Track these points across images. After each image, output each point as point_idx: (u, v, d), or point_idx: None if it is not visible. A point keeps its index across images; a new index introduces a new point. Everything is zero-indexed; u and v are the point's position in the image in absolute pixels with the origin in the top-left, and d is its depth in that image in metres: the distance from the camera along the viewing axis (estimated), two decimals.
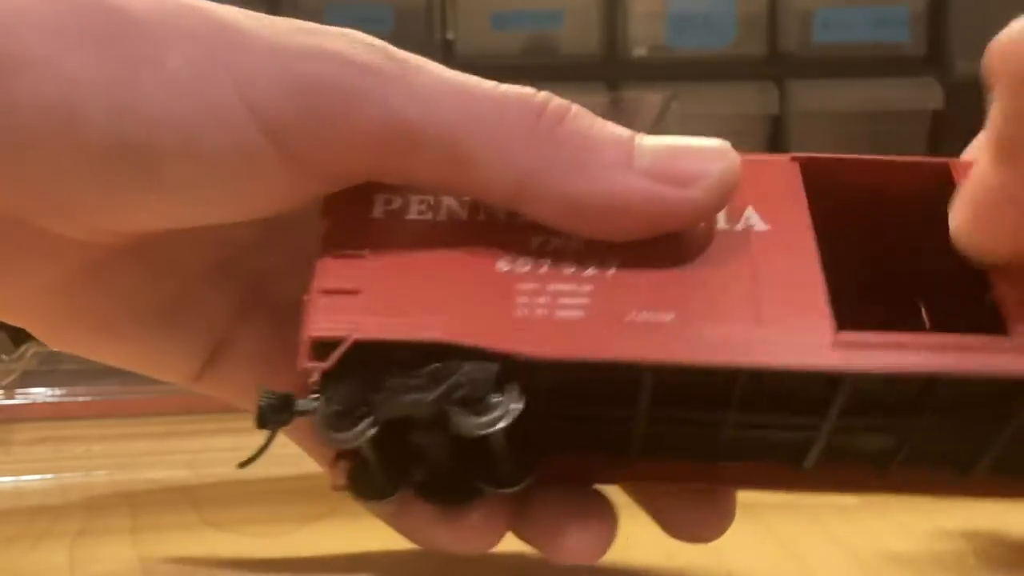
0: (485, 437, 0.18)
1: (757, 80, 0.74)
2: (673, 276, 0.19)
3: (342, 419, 0.18)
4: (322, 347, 0.18)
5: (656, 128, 0.53)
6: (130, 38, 0.18)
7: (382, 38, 0.21)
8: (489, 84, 0.19)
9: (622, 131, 0.19)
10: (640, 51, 0.72)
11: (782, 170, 0.21)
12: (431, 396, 0.18)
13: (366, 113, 0.18)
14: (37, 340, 0.23)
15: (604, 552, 0.21)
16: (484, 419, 0.18)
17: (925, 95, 0.73)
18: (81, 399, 0.38)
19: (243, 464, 0.20)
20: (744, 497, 0.29)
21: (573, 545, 0.21)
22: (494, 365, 0.18)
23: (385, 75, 0.19)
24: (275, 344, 0.24)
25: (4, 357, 0.38)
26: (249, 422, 0.39)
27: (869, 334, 0.18)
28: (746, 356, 0.18)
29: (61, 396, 0.38)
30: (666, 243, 0.19)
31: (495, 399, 0.18)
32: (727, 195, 0.19)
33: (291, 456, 0.30)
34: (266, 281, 0.24)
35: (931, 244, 0.20)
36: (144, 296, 0.23)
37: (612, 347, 0.18)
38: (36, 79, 0.18)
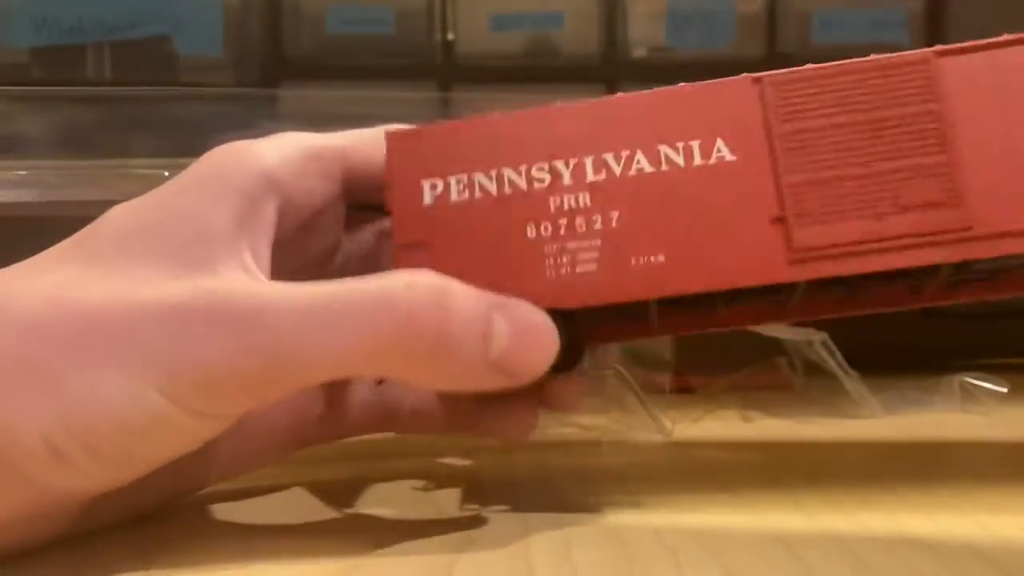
0: None
1: None
2: (663, 219, 0.25)
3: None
4: None
5: None
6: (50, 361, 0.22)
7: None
8: (357, 299, 0.22)
9: (481, 313, 0.23)
10: (640, 52, 0.72)
11: (742, 93, 0.26)
12: None
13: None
14: None
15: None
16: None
17: None
18: None
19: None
20: (744, 496, 0.29)
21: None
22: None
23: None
24: None
25: None
26: None
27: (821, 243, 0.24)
28: (720, 282, 0.25)
29: None
30: (657, 190, 0.25)
31: None
32: (540, 375, 0.24)
33: (296, 455, 0.30)
34: None
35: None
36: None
37: (623, 291, 0.25)
38: None
